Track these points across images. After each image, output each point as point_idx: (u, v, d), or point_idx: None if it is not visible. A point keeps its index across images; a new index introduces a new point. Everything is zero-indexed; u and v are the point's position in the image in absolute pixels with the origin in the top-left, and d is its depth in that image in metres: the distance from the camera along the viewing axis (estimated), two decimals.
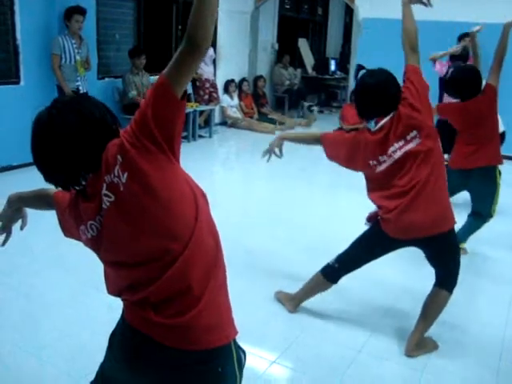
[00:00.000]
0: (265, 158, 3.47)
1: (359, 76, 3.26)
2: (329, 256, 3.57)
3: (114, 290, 1.79)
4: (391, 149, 3.11)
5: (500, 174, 4.59)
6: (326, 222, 5.48)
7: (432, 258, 3.37)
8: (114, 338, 1.85)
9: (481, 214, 4.69)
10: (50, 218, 2.05)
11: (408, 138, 3.10)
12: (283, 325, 3.64)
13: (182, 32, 9.66)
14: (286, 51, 12.81)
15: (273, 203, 5.97)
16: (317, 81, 13.84)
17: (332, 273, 3.54)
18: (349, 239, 3.48)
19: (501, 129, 5.79)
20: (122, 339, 1.80)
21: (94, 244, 1.71)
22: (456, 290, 3.35)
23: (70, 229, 1.83)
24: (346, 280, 3.56)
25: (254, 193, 6.43)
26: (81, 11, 6.78)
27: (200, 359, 1.70)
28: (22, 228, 2.11)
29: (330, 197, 6.51)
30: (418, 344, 3.35)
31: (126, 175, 1.57)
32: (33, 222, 2.18)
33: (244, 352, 1.84)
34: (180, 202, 1.64)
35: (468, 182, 4.57)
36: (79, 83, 6.93)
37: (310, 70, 13.85)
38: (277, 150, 3.44)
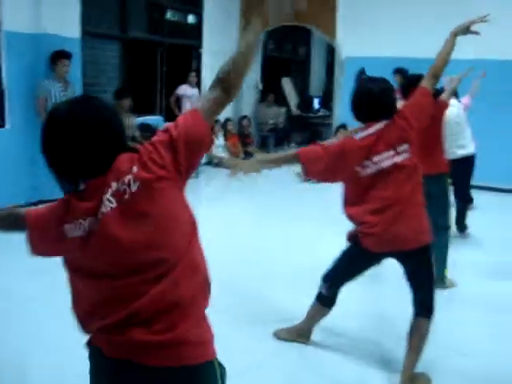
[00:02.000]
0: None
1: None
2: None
3: (86, 310, 1.74)
4: (378, 157, 3.16)
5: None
6: (310, 254, 5.46)
7: (411, 276, 3.37)
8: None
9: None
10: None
11: (398, 149, 3.18)
12: (279, 363, 3.60)
13: (166, 74, 9.76)
14: (270, 90, 12.95)
15: (259, 241, 5.94)
16: (301, 119, 13.98)
17: (327, 299, 3.61)
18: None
19: (470, 150, 5.93)
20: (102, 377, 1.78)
21: (78, 247, 1.68)
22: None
23: (44, 239, 1.80)
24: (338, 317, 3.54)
25: (241, 231, 6.40)
26: (66, 55, 6.87)
27: (185, 376, 1.69)
28: None
29: (313, 230, 6.48)
30: (411, 380, 3.32)
31: (137, 184, 1.63)
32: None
33: (225, 369, 1.84)
34: (180, 220, 1.72)
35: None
36: None
37: (294, 109, 13.99)
38: (245, 176, 3.41)
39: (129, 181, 1.63)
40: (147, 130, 8.93)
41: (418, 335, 3.33)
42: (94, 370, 1.81)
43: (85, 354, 1.82)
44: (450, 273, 4.84)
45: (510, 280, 5.14)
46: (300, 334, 3.84)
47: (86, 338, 1.81)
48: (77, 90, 7.28)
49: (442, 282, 4.68)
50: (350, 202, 3.34)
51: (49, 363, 3.46)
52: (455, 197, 6.12)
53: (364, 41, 9.73)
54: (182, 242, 1.70)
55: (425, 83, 3.41)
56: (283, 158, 3.55)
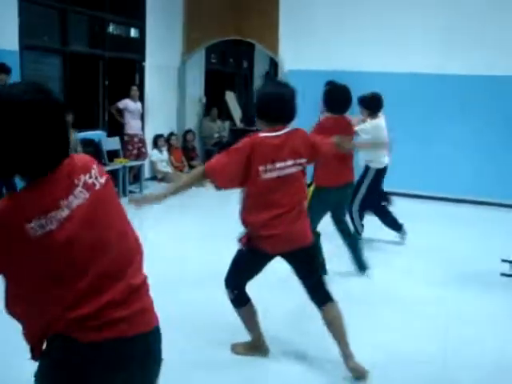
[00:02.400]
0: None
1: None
2: None
3: (73, 300, 1.71)
4: (281, 163, 3.39)
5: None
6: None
7: (301, 269, 3.62)
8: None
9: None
10: None
11: (298, 161, 3.46)
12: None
13: (108, 88, 9.65)
14: (213, 104, 12.96)
15: (203, 259, 5.88)
16: (245, 132, 13.78)
17: (239, 300, 3.71)
18: None
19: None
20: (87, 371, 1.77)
21: (54, 238, 1.65)
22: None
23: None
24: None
25: (184, 249, 6.33)
26: (5, 70, 6.69)
27: (154, 339, 1.92)
28: None
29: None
30: (356, 368, 3.56)
31: (103, 180, 1.82)
32: None
33: None
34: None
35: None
36: None
37: (238, 123, 14.04)
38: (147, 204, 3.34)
39: (95, 175, 1.81)
40: (89, 145, 8.81)
41: (337, 321, 3.56)
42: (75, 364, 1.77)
43: None
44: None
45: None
46: (255, 347, 3.85)
47: None
48: None
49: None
50: (249, 208, 3.50)
51: None
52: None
53: (304, 55, 9.92)
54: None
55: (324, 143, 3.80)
56: (191, 179, 3.52)
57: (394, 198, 7.46)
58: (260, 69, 16.00)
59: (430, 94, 9.30)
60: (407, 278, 5.51)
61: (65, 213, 1.67)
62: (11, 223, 1.62)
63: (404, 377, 3.67)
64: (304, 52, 9.97)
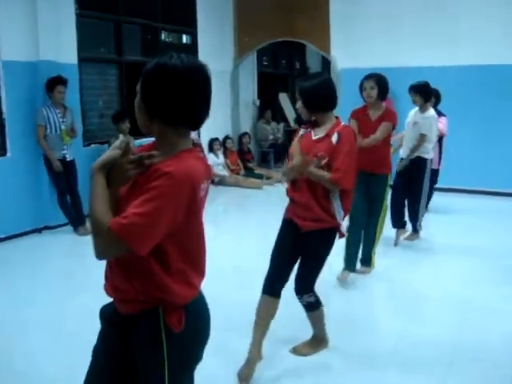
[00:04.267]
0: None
1: None
2: None
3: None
4: None
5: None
6: None
7: (301, 256, 3.62)
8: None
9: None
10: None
11: None
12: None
13: None
14: (267, 106, 13.01)
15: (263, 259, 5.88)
16: None
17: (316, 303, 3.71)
18: None
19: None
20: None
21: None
22: None
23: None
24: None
25: (245, 249, 6.39)
26: (62, 82, 6.87)
27: None
28: None
29: None
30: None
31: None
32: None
33: None
34: None
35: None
36: (65, 151, 6.98)
37: (292, 124, 14.03)
38: None
39: None
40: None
41: (267, 316, 3.58)
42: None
43: None
44: None
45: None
46: (317, 342, 3.87)
47: None
48: (75, 115, 7.33)
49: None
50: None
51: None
52: None
53: (357, 52, 9.82)
54: None
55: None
56: None
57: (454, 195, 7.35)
58: (312, 69, 15.95)
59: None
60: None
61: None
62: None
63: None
64: (356, 50, 9.87)
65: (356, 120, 5.28)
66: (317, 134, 3.54)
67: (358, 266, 5.39)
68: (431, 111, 6.33)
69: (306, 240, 3.54)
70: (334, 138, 3.43)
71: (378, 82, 5.17)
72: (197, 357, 2.07)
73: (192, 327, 1.98)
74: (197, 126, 2.03)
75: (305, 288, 3.61)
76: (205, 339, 2.08)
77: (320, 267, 3.62)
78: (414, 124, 6.25)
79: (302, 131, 3.67)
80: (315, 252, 3.59)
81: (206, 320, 2.08)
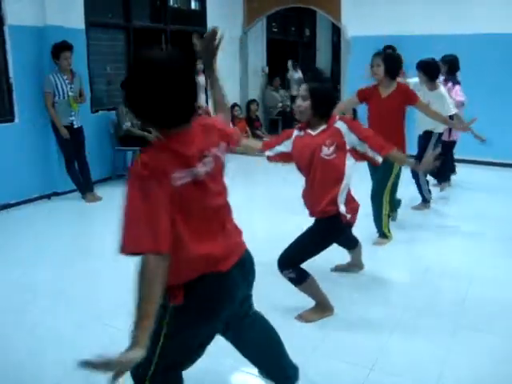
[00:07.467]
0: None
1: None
2: None
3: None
4: None
5: None
6: None
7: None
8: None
9: None
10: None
11: None
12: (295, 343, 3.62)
13: None
14: (276, 74, 12.90)
15: (272, 226, 5.96)
16: None
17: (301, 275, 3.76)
18: None
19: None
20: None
21: None
22: None
23: None
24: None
25: (254, 215, 6.40)
26: (67, 47, 6.78)
27: None
28: None
29: None
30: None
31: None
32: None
33: None
34: None
35: None
36: (73, 118, 6.96)
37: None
38: None
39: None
40: None
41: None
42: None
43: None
44: None
45: None
46: (322, 309, 3.90)
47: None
48: (83, 80, 7.29)
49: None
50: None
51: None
52: None
53: (368, 20, 9.67)
54: None
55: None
56: None
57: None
58: (323, 36, 15.78)
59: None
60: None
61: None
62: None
63: None
64: (367, 17, 9.70)
65: (363, 101, 5.34)
66: (315, 131, 3.63)
67: (376, 237, 5.41)
68: (440, 89, 6.12)
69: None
70: (340, 124, 3.57)
71: (385, 60, 5.13)
72: (198, 332, 2.16)
73: (195, 302, 2.08)
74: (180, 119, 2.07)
75: (284, 263, 3.68)
76: (211, 316, 2.15)
77: (308, 249, 3.70)
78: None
79: (296, 132, 3.75)
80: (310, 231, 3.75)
81: (214, 299, 2.13)
